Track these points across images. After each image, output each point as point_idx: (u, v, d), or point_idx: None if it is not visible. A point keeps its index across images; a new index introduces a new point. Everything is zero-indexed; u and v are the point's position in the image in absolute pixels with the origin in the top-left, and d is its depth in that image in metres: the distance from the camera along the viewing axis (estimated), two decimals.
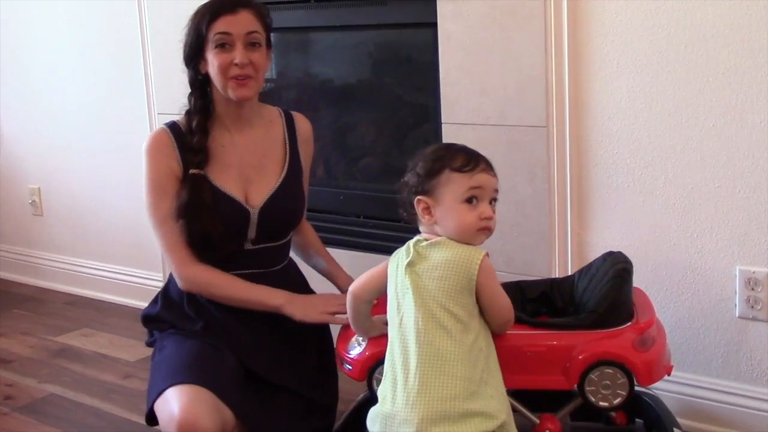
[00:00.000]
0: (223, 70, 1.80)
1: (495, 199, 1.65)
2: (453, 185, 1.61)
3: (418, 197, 1.65)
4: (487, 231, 1.62)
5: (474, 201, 1.60)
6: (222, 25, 1.80)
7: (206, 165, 1.85)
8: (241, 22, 1.80)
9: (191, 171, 1.83)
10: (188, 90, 1.92)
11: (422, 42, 2.46)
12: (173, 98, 1.97)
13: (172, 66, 2.33)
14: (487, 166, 1.64)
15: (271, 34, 1.94)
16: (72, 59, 3.33)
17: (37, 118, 3.51)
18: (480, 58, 2.24)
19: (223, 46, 1.80)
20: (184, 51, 1.87)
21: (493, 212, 1.63)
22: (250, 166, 1.90)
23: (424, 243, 1.64)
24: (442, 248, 1.62)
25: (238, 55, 1.79)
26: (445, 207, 1.62)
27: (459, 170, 1.61)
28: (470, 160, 1.62)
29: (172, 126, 1.89)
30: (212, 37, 1.80)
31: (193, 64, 1.87)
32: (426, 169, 1.64)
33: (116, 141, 3.23)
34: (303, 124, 2.01)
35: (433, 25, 2.31)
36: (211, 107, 1.89)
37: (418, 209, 1.65)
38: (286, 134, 1.97)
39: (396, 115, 2.66)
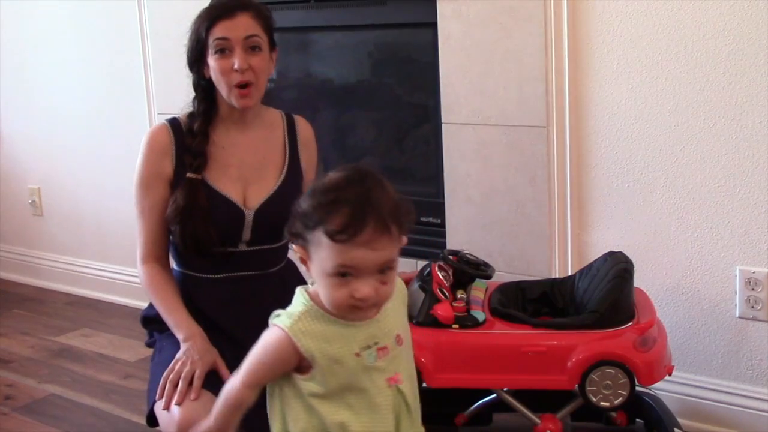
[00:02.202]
0: (224, 76, 1.80)
1: (389, 268, 1.23)
2: (322, 252, 1.21)
3: (294, 246, 1.28)
4: (362, 313, 1.25)
5: (347, 275, 1.21)
6: (220, 30, 1.79)
7: (204, 168, 1.85)
8: (239, 27, 1.79)
9: (188, 175, 1.83)
10: (189, 90, 1.92)
11: (422, 42, 2.46)
12: (173, 98, 1.97)
13: (172, 66, 2.33)
14: (378, 231, 1.19)
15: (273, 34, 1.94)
16: (72, 59, 3.33)
17: (37, 118, 3.51)
18: (480, 58, 2.24)
19: (222, 51, 1.79)
20: (187, 56, 1.87)
21: (385, 282, 1.23)
22: (250, 168, 1.90)
23: None
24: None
25: (238, 60, 1.78)
26: (314, 272, 1.25)
27: (331, 237, 1.19)
28: (350, 224, 1.18)
29: (174, 123, 1.89)
30: (211, 42, 1.80)
31: (196, 68, 1.87)
32: (305, 214, 1.25)
33: (116, 141, 3.23)
34: (304, 128, 2.01)
35: (433, 25, 2.32)
36: (214, 110, 1.89)
37: (297, 255, 1.29)
38: (286, 137, 1.97)
39: (396, 115, 2.66)
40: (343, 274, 1.21)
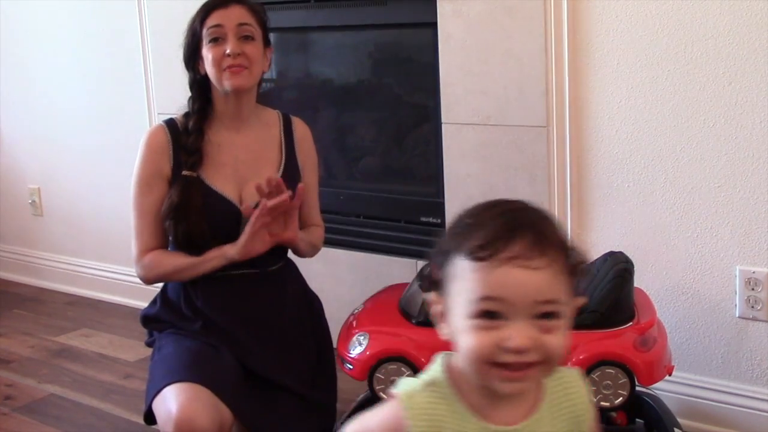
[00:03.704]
0: (217, 61, 1.82)
1: (552, 314, 0.89)
2: (461, 285, 0.91)
3: (429, 295, 0.99)
4: (513, 375, 0.89)
5: (495, 316, 0.88)
6: (214, 18, 1.84)
7: (200, 165, 1.86)
8: (232, 15, 1.83)
9: (184, 172, 1.84)
10: (188, 90, 1.93)
11: (422, 42, 2.46)
12: (173, 98, 1.98)
13: (172, 66, 2.33)
14: (535, 247, 0.89)
15: (271, 35, 1.95)
16: (72, 59, 3.32)
17: (37, 118, 3.51)
18: (480, 58, 2.24)
19: (216, 40, 1.83)
20: (183, 53, 1.90)
21: (549, 331, 0.89)
22: (246, 166, 1.91)
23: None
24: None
25: (230, 45, 1.81)
26: (453, 320, 0.94)
27: (471, 257, 0.90)
28: (497, 236, 0.89)
29: (170, 123, 1.90)
30: (206, 32, 1.84)
31: (192, 64, 1.89)
32: (439, 250, 0.97)
33: (116, 141, 3.22)
34: (301, 128, 2.02)
35: (433, 25, 2.31)
36: (210, 108, 1.90)
37: (432, 312, 0.99)
38: (282, 137, 1.97)
39: (396, 115, 2.66)
40: (488, 313, 0.88)
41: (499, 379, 0.89)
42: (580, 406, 1.00)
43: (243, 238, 1.79)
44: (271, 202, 1.76)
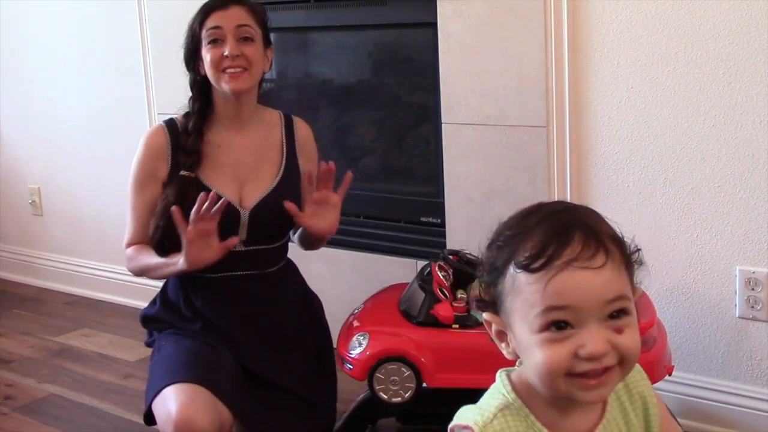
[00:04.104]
0: (215, 63, 1.82)
1: (621, 311, 0.86)
2: (521, 300, 0.87)
3: (484, 315, 0.95)
4: (593, 382, 0.85)
5: (564, 326, 0.85)
6: (213, 20, 1.84)
7: (199, 166, 1.86)
8: (231, 16, 1.83)
9: (182, 173, 1.84)
10: (189, 90, 1.93)
11: (422, 42, 2.46)
12: (173, 98, 1.98)
13: (172, 66, 2.33)
14: (589, 245, 0.85)
15: (272, 35, 1.95)
16: (72, 59, 3.32)
17: (37, 119, 3.51)
18: (480, 58, 2.24)
19: (215, 41, 1.82)
20: (183, 54, 1.90)
21: (621, 330, 0.85)
22: (246, 167, 1.90)
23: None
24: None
25: (229, 46, 1.80)
26: (517, 337, 0.90)
27: (526, 267, 0.86)
28: (549, 241, 0.85)
29: (170, 124, 1.90)
30: (205, 34, 1.84)
31: (192, 65, 1.89)
32: (488, 262, 0.93)
33: (116, 141, 3.22)
34: (302, 129, 2.01)
35: (433, 25, 2.32)
36: (210, 109, 1.90)
37: (490, 333, 0.95)
38: (284, 138, 1.97)
39: (396, 115, 2.66)
40: (556, 323, 0.84)
41: (579, 389, 0.85)
42: (644, 398, 0.97)
43: (183, 249, 1.73)
44: (194, 210, 1.70)
